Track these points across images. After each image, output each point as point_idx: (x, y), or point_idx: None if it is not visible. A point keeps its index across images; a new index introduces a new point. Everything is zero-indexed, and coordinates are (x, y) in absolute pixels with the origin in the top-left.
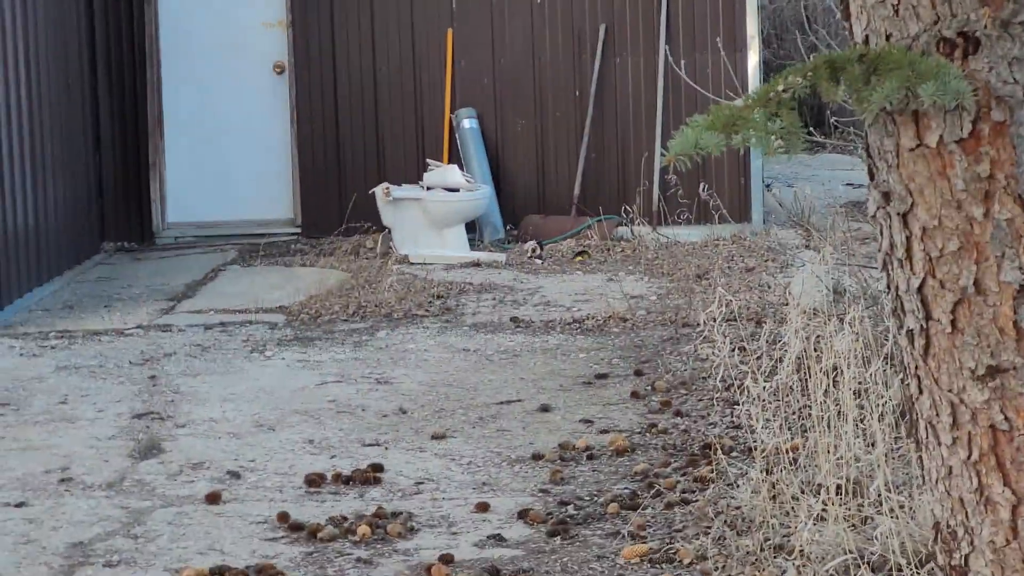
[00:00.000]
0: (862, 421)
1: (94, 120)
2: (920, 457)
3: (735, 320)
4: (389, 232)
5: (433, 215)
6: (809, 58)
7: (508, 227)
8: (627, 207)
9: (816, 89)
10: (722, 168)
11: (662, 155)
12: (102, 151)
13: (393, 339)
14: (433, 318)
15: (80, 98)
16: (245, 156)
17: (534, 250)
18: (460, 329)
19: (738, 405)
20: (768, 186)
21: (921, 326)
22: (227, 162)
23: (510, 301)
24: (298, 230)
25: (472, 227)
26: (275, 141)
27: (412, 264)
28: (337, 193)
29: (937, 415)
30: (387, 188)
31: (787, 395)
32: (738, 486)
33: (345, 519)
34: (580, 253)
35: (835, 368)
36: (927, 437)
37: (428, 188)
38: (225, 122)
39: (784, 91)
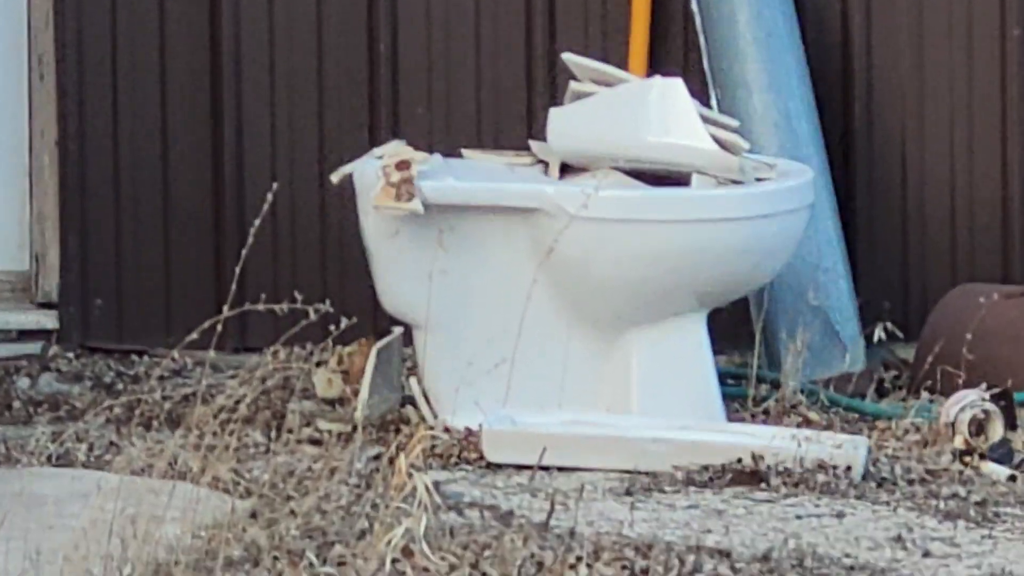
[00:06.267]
0: None
1: None
2: None
3: None
4: (404, 338)
5: (587, 273)
6: None
7: (882, 332)
8: None
9: None
10: None
11: None
12: None
13: None
14: None
15: None
16: None
17: (977, 427)
18: None
19: None
20: None
21: None
22: None
23: None
24: (53, 325)
25: (737, 326)
26: None
27: (486, 471)
28: (208, 195)
29: None
30: (403, 167)
31: None
32: None
33: None
34: None
35: None
36: None
37: (566, 169)
38: None
39: None
